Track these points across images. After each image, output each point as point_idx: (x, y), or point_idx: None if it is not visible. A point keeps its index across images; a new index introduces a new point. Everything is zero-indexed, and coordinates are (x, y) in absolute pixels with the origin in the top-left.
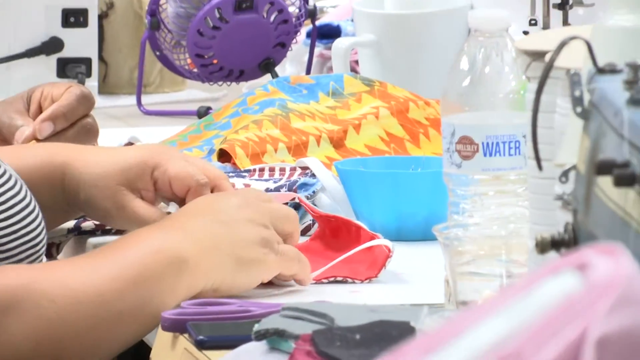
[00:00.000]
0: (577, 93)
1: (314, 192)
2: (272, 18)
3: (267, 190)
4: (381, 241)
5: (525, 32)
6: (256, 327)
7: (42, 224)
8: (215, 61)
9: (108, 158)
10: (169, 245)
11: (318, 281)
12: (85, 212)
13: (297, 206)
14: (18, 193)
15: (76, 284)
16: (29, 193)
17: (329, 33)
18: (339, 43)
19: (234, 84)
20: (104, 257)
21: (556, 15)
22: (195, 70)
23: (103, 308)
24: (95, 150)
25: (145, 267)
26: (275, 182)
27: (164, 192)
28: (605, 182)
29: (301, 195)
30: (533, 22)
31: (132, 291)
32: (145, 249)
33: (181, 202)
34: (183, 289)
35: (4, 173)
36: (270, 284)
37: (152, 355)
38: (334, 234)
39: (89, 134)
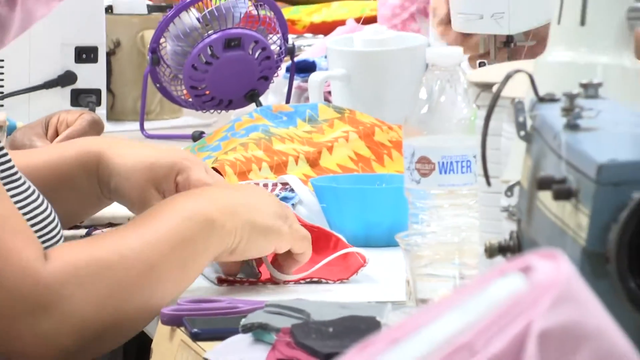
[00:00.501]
0: (520, 119)
1: (292, 204)
2: (256, 55)
3: None
4: (356, 249)
5: (480, 64)
6: (243, 321)
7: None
8: (207, 92)
9: (141, 154)
10: (198, 210)
11: (297, 282)
12: (112, 197)
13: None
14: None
15: (126, 250)
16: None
17: (306, 68)
18: (314, 76)
19: (223, 112)
20: (145, 225)
21: (502, 52)
22: (190, 100)
23: (151, 270)
24: (130, 143)
25: (182, 232)
26: None
27: None
28: (545, 196)
29: (294, 202)
30: (482, 63)
31: (174, 253)
32: (180, 216)
33: None
34: (213, 247)
35: (28, 186)
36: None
37: (153, 345)
38: (314, 242)
39: None
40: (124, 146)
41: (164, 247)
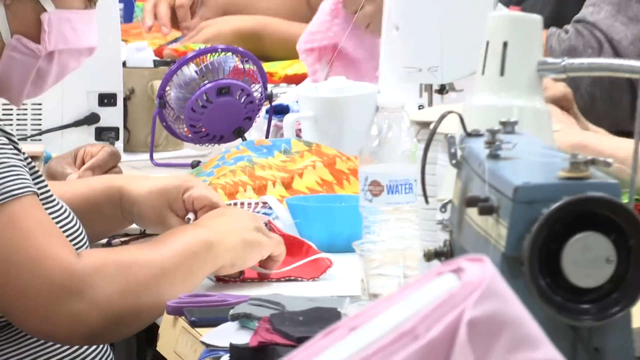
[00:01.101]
0: (452, 150)
1: (270, 219)
2: (242, 100)
3: None
4: (324, 255)
5: (420, 107)
6: (231, 311)
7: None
8: (203, 129)
9: (153, 183)
10: (200, 235)
11: (278, 279)
12: (136, 222)
13: (266, 224)
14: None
15: (143, 257)
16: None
17: (281, 110)
18: (288, 117)
19: (216, 145)
20: (161, 243)
21: (437, 97)
22: (190, 135)
23: (162, 274)
24: (143, 177)
25: (188, 249)
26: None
27: (188, 207)
28: (472, 212)
29: (271, 218)
30: (421, 106)
31: (181, 264)
32: (188, 238)
33: (198, 215)
34: (212, 262)
35: (61, 206)
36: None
37: (160, 331)
38: (289, 248)
39: None
40: (139, 179)
41: (174, 258)
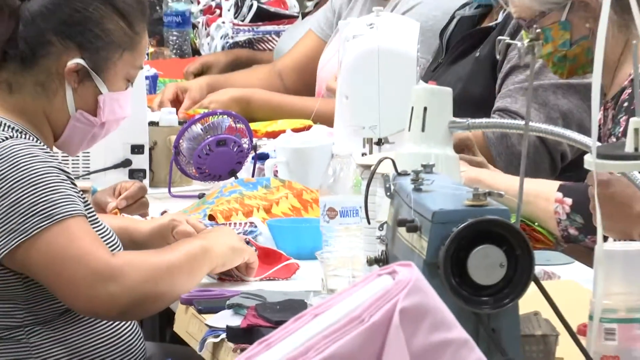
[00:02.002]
0: (387, 185)
1: (256, 235)
2: (235, 149)
3: None
4: (294, 261)
5: (363, 154)
6: (228, 302)
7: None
8: (207, 171)
9: (152, 226)
10: (198, 243)
11: (261, 279)
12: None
13: (247, 242)
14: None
15: (159, 257)
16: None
17: (263, 157)
18: (268, 162)
19: (216, 182)
20: (170, 248)
21: (375, 147)
22: (197, 175)
23: (173, 269)
24: (142, 221)
25: (190, 253)
26: (237, 230)
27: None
28: (402, 230)
29: (250, 237)
30: (364, 154)
31: (186, 262)
32: (189, 245)
33: None
34: (209, 264)
35: (102, 224)
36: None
37: (176, 316)
38: (267, 257)
39: (144, 206)
40: (140, 222)
41: (180, 259)
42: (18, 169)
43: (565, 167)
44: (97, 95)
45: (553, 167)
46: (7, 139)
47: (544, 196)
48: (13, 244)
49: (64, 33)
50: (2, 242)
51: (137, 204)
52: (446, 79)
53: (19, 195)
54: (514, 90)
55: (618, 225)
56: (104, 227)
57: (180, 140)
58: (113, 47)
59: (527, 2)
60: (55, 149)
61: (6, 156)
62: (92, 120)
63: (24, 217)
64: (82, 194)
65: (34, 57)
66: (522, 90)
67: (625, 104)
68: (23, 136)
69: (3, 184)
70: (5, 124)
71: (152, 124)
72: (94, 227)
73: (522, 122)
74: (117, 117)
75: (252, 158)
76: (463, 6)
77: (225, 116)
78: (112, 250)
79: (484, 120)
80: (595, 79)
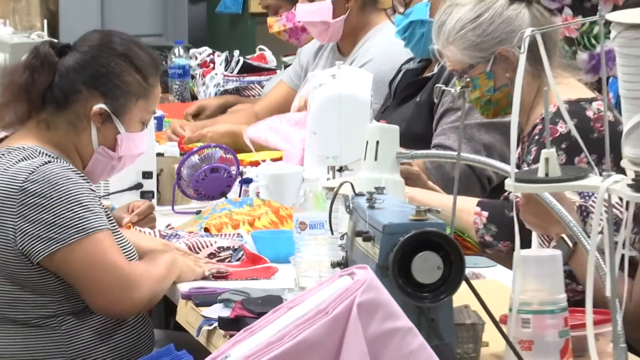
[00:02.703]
0: (347, 204)
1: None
2: (225, 175)
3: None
4: (273, 264)
5: (327, 179)
6: (219, 297)
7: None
8: (203, 192)
9: (149, 248)
10: (170, 258)
11: (245, 279)
12: None
13: (240, 248)
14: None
15: (154, 272)
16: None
17: (247, 181)
18: (251, 185)
19: (210, 201)
20: (156, 263)
21: (338, 174)
22: (195, 195)
23: (162, 281)
24: (144, 240)
25: (168, 265)
26: (226, 239)
27: None
28: (359, 240)
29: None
30: (328, 179)
31: (167, 273)
32: (167, 259)
33: None
34: (176, 271)
35: (122, 235)
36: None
37: (178, 309)
38: (253, 261)
39: (152, 221)
40: (142, 241)
41: (164, 270)
42: (57, 188)
43: (493, 188)
44: (117, 135)
45: (482, 189)
46: (46, 163)
47: (466, 210)
48: (51, 250)
49: (91, 83)
50: (42, 248)
51: (146, 219)
52: (393, 119)
53: (58, 210)
54: (447, 129)
55: (541, 223)
56: (123, 237)
57: (182, 168)
58: (130, 96)
59: (459, 56)
60: None
61: (47, 177)
62: (111, 154)
63: (62, 228)
64: (106, 211)
65: (67, 101)
66: (454, 129)
67: (536, 137)
68: (59, 161)
69: (44, 200)
70: (44, 152)
71: (159, 154)
72: (115, 238)
73: (455, 153)
74: (132, 153)
75: (239, 182)
76: (408, 60)
77: (218, 148)
78: (129, 258)
79: (424, 151)
80: (514, 118)
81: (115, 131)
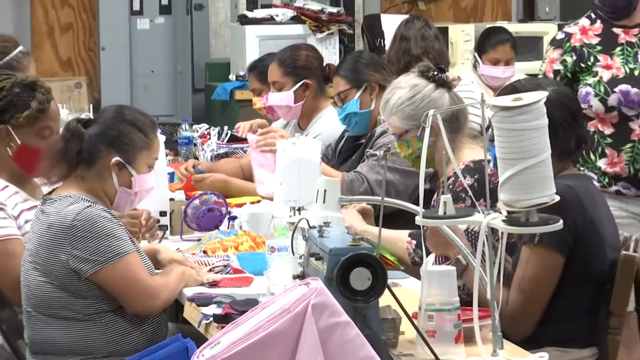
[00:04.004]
0: (304, 234)
1: (230, 262)
2: (218, 214)
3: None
4: (252, 275)
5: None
6: (214, 300)
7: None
8: (202, 226)
9: (163, 258)
10: (180, 270)
11: (231, 287)
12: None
13: (227, 265)
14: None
15: (169, 282)
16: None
17: (233, 218)
18: (236, 221)
19: (207, 232)
20: (170, 275)
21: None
22: (196, 228)
23: (175, 289)
24: (162, 252)
25: (179, 276)
26: (218, 259)
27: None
28: (312, 259)
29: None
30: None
31: (178, 282)
32: (177, 272)
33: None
34: (184, 281)
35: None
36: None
37: (185, 308)
38: (236, 274)
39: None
40: (162, 253)
41: (174, 280)
42: (96, 225)
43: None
44: (131, 177)
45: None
46: (87, 207)
47: (401, 239)
48: (95, 270)
49: (108, 144)
50: (88, 268)
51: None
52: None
53: (98, 241)
54: (365, 164)
55: (439, 249)
56: (143, 254)
57: (187, 209)
58: (137, 149)
59: (398, 123)
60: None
61: (88, 217)
62: (129, 191)
63: (102, 254)
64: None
65: (92, 159)
66: (368, 167)
67: (450, 186)
68: (95, 205)
69: (87, 234)
70: (84, 198)
71: (171, 199)
72: (139, 255)
73: (379, 198)
74: (144, 188)
75: (228, 218)
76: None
77: (212, 195)
78: (148, 269)
79: (355, 197)
80: (421, 174)
81: (130, 175)
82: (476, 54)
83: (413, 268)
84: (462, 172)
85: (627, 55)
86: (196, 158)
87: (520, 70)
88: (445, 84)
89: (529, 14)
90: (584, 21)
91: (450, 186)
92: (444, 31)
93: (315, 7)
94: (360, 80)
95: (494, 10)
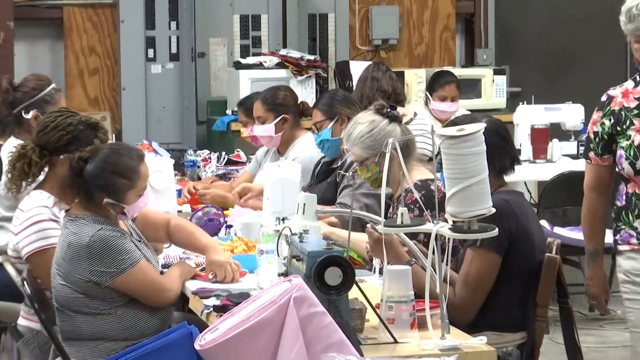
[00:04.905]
0: (287, 240)
1: None
2: (217, 223)
3: None
4: (244, 271)
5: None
6: (214, 293)
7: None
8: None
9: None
10: (180, 269)
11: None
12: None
13: None
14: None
15: (173, 274)
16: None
17: (229, 227)
18: (231, 229)
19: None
20: (171, 275)
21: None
22: None
23: (178, 283)
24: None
25: (181, 274)
26: None
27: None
28: (294, 260)
29: None
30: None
31: (180, 279)
32: (176, 267)
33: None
34: (184, 277)
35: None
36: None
37: (190, 299)
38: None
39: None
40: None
41: (179, 275)
42: (109, 242)
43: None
44: (124, 209)
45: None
46: (100, 229)
47: (362, 241)
48: (112, 279)
49: (99, 190)
50: (107, 279)
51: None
52: (314, 191)
53: (112, 256)
54: (344, 194)
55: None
56: (150, 259)
57: (192, 219)
58: (122, 191)
59: (359, 152)
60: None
61: (102, 237)
62: (124, 217)
63: (117, 266)
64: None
65: (92, 197)
66: (348, 195)
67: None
68: (105, 226)
69: (103, 251)
70: (97, 220)
71: (179, 212)
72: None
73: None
74: (136, 211)
75: (225, 227)
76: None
77: (212, 207)
78: (155, 268)
79: (331, 210)
80: (383, 187)
81: (121, 207)
82: (427, 93)
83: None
84: (412, 188)
85: None
86: (199, 178)
87: (463, 105)
88: (397, 119)
89: (470, 61)
90: (628, 84)
91: (402, 200)
92: (401, 74)
93: (296, 55)
94: (334, 113)
95: (442, 57)
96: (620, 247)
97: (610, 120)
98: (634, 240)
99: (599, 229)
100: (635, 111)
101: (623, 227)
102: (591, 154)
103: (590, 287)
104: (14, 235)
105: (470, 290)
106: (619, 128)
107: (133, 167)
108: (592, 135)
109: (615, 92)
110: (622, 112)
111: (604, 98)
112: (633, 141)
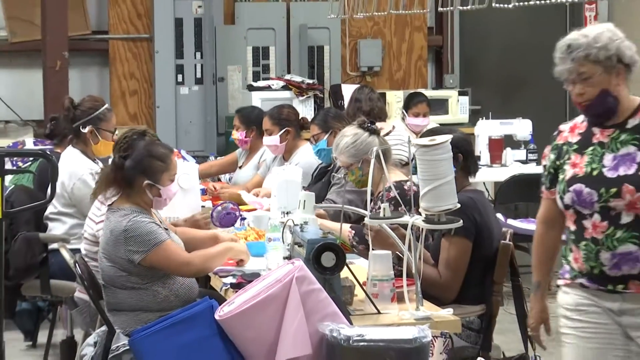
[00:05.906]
0: (290, 229)
1: None
2: (233, 216)
3: None
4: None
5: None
6: (230, 273)
7: None
8: (223, 224)
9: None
10: (224, 245)
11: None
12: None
13: None
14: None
15: (203, 254)
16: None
17: (244, 219)
18: (246, 221)
19: (226, 229)
20: (208, 250)
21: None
22: (219, 226)
23: (210, 258)
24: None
25: (221, 250)
26: None
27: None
28: (296, 247)
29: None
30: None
31: (218, 254)
32: (220, 247)
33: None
34: (226, 254)
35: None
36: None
37: (212, 278)
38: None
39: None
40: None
41: (211, 253)
42: (140, 226)
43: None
44: (160, 190)
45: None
46: (135, 216)
47: (346, 231)
48: (144, 256)
49: (139, 173)
50: (139, 256)
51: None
52: (312, 190)
53: (144, 237)
54: (333, 191)
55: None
56: (175, 240)
57: (213, 213)
58: (159, 173)
59: (345, 159)
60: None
61: (135, 222)
62: (159, 199)
63: (147, 245)
64: (167, 230)
65: (132, 184)
66: (337, 193)
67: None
68: (139, 214)
69: (136, 234)
70: (133, 210)
71: (203, 206)
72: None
73: (340, 205)
74: (169, 195)
75: (240, 219)
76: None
77: (229, 203)
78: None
79: (326, 205)
80: (368, 190)
81: (158, 189)
82: (403, 110)
83: (364, 252)
84: (389, 188)
85: (595, 155)
86: (219, 180)
87: (434, 120)
88: (375, 132)
89: (439, 84)
90: (578, 118)
91: (382, 197)
92: (383, 95)
93: (298, 79)
94: (328, 127)
95: (416, 81)
96: (559, 282)
97: (554, 154)
98: (567, 275)
99: (544, 261)
100: (576, 146)
101: (563, 261)
102: (542, 187)
103: (529, 318)
104: (95, 224)
105: (452, 272)
106: (558, 162)
107: (166, 154)
108: (543, 169)
109: (565, 126)
110: (564, 147)
111: (555, 132)
112: (565, 176)
